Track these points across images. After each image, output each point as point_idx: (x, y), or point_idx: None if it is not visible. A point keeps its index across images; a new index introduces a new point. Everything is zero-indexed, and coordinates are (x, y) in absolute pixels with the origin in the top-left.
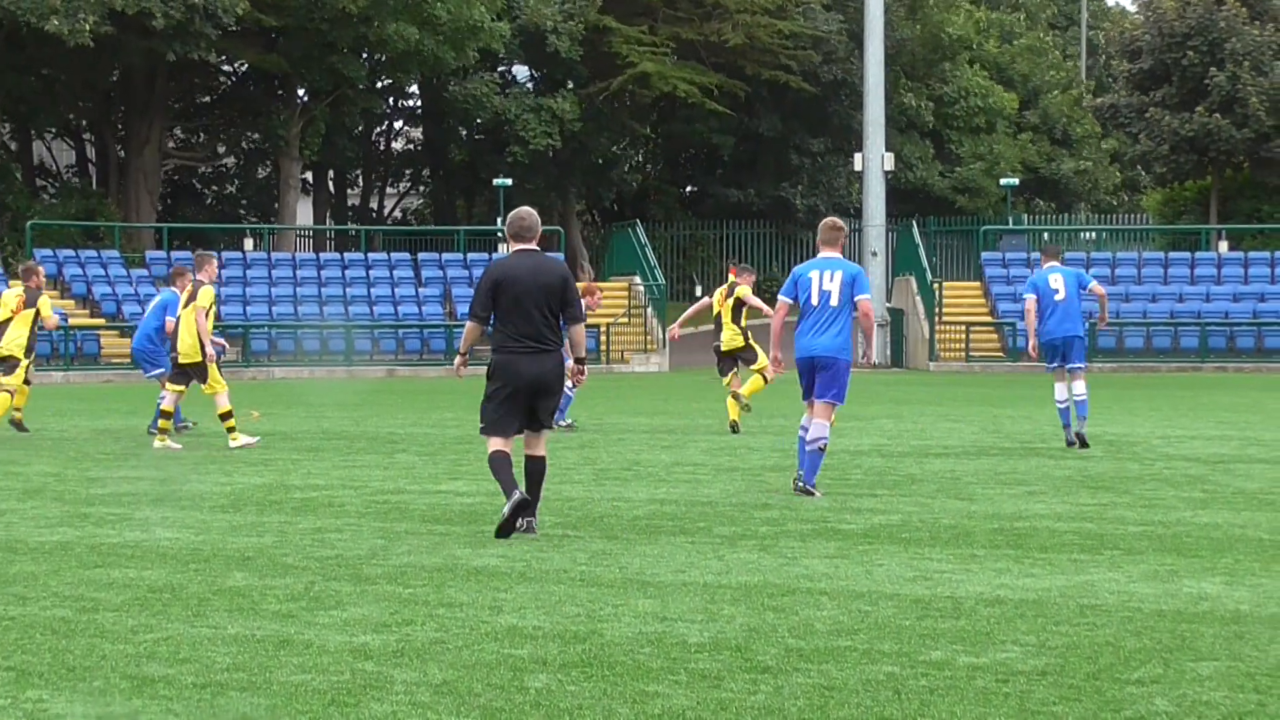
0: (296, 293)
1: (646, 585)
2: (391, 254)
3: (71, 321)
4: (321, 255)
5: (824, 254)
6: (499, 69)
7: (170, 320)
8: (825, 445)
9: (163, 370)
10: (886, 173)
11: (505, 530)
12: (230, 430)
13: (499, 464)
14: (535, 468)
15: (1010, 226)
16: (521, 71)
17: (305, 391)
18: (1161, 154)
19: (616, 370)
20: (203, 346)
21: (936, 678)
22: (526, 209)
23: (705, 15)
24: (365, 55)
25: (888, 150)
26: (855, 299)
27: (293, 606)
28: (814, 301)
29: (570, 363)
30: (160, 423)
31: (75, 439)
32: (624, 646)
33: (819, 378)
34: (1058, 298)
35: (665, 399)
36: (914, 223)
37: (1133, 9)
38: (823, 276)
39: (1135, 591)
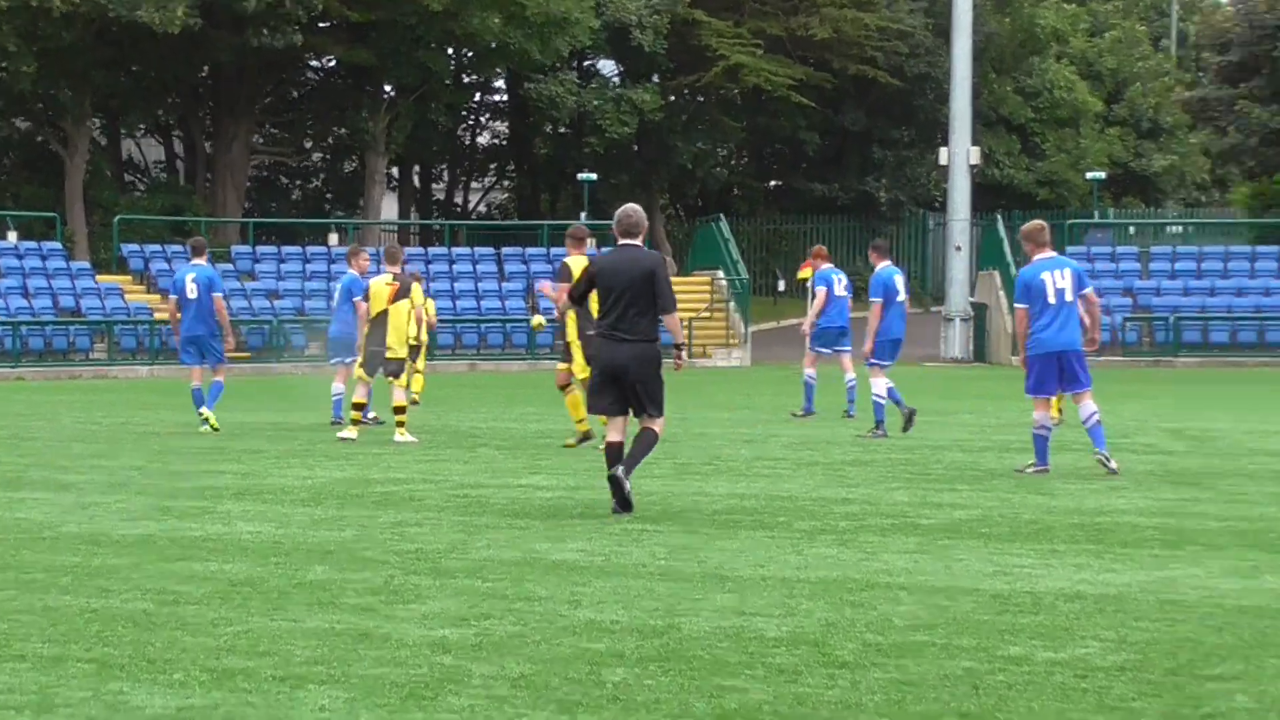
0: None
1: (725, 580)
2: (475, 249)
3: (156, 316)
4: (406, 250)
5: (1045, 254)
6: (584, 63)
7: (361, 304)
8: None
9: (353, 359)
10: (972, 167)
11: (620, 507)
12: (400, 425)
13: (609, 457)
14: (643, 436)
15: (1095, 220)
16: (607, 65)
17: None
18: (1250, 147)
19: (699, 365)
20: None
21: (1015, 673)
22: (633, 206)
23: (792, 9)
24: (452, 50)
25: (974, 145)
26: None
27: (372, 600)
28: (1051, 300)
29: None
30: (352, 414)
31: (159, 433)
32: (702, 641)
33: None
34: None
35: (747, 394)
36: (998, 217)
37: (1224, 1)
38: (1054, 276)
39: (1216, 587)
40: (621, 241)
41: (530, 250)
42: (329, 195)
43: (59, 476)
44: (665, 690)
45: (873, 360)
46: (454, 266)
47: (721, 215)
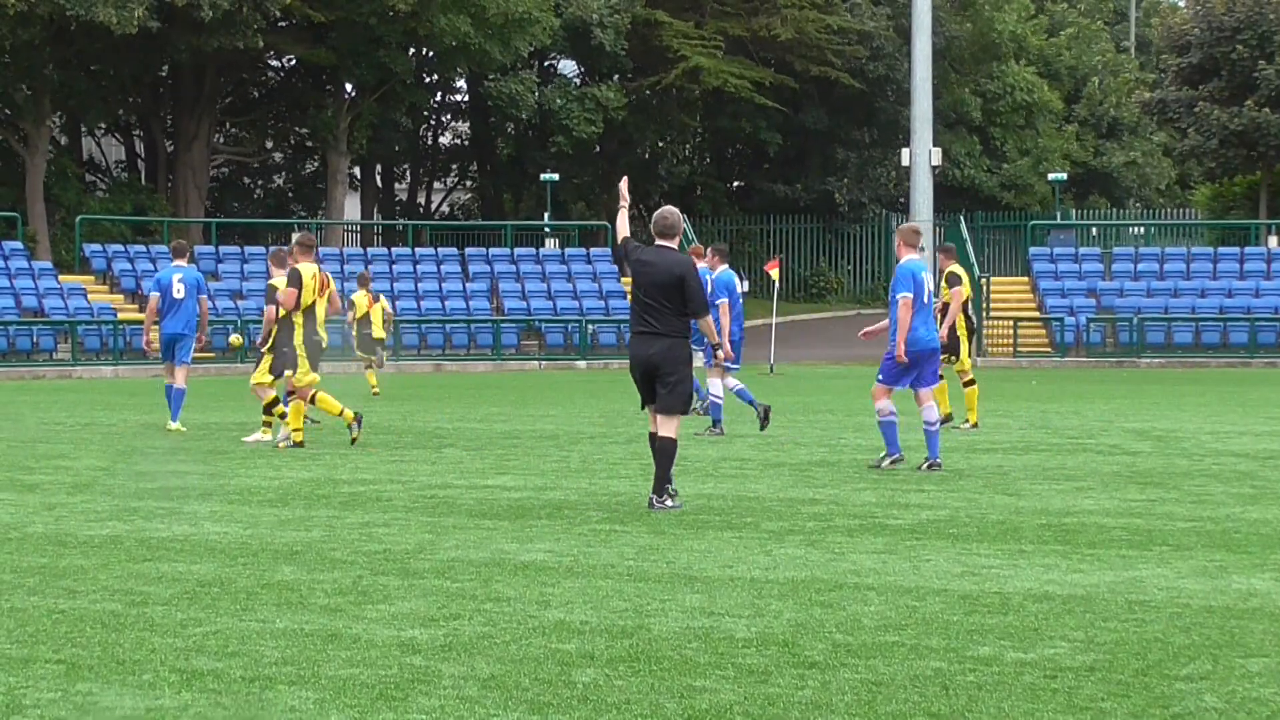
0: (344, 288)
1: (694, 580)
2: (439, 249)
3: (120, 316)
4: (369, 250)
5: (918, 256)
6: (545, 63)
7: (204, 299)
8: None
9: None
10: (934, 168)
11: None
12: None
13: (650, 443)
14: (658, 445)
15: (1058, 221)
16: (568, 66)
17: (352, 386)
18: (1210, 149)
19: None
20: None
21: (984, 673)
22: (670, 209)
23: (753, 10)
24: (412, 50)
25: (935, 146)
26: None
27: (341, 601)
28: (925, 299)
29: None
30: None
31: (124, 433)
32: (671, 641)
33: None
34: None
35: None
36: (961, 218)
37: (1182, 3)
38: (927, 277)
39: (1184, 587)
40: (658, 242)
41: (494, 250)
42: (292, 195)
43: (24, 477)
44: (635, 691)
45: (726, 363)
46: (418, 267)
47: (684, 215)
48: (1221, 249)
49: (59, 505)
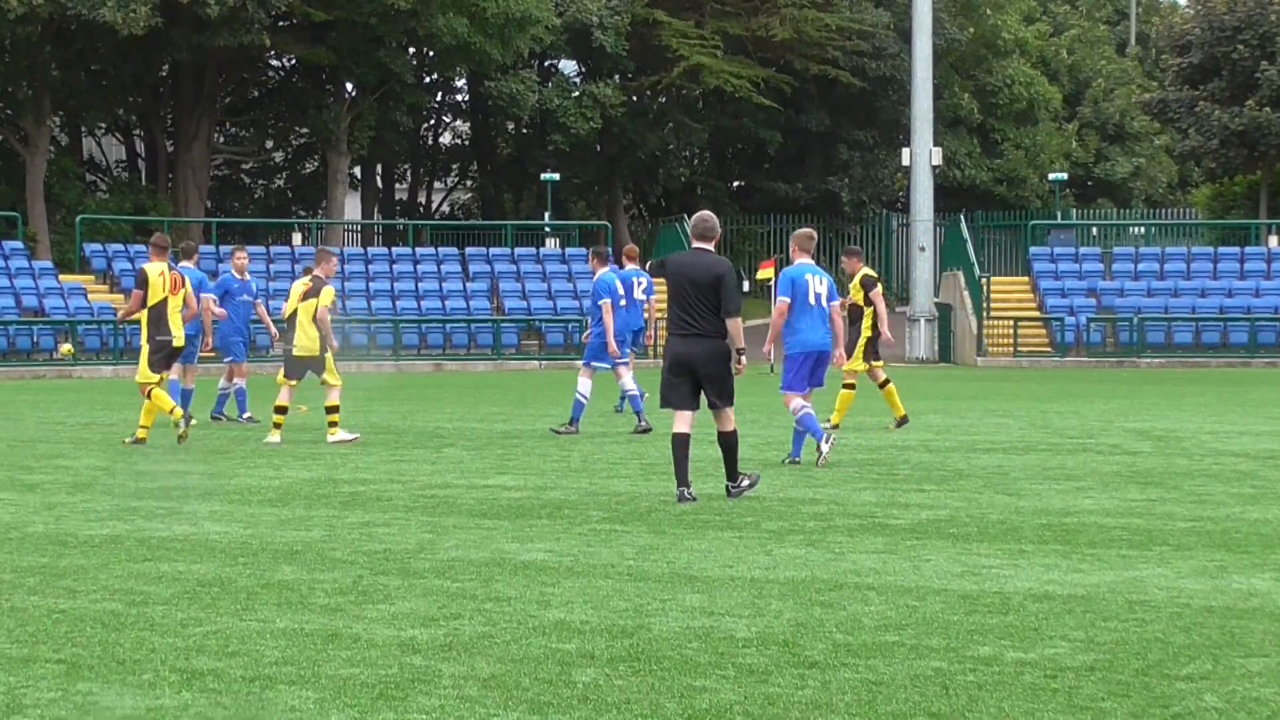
0: (344, 287)
1: (694, 580)
2: (439, 249)
3: (121, 315)
4: (369, 250)
5: (807, 260)
6: (546, 63)
7: (207, 298)
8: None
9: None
10: (934, 168)
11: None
12: (333, 425)
13: (676, 446)
14: (724, 441)
15: (1058, 221)
16: (569, 66)
17: (352, 385)
18: (1211, 149)
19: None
20: (325, 340)
21: (984, 673)
22: (708, 213)
23: (753, 10)
24: (413, 50)
25: (936, 146)
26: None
27: (341, 600)
28: (811, 302)
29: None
30: (275, 417)
31: (124, 433)
32: (671, 641)
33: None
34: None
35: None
36: (961, 218)
37: (1183, 3)
38: (814, 280)
39: (1184, 587)
40: (695, 245)
41: (494, 250)
42: (292, 195)
43: (24, 477)
44: (636, 690)
45: (597, 363)
46: (418, 266)
47: (685, 215)
48: (1222, 249)
49: (59, 505)
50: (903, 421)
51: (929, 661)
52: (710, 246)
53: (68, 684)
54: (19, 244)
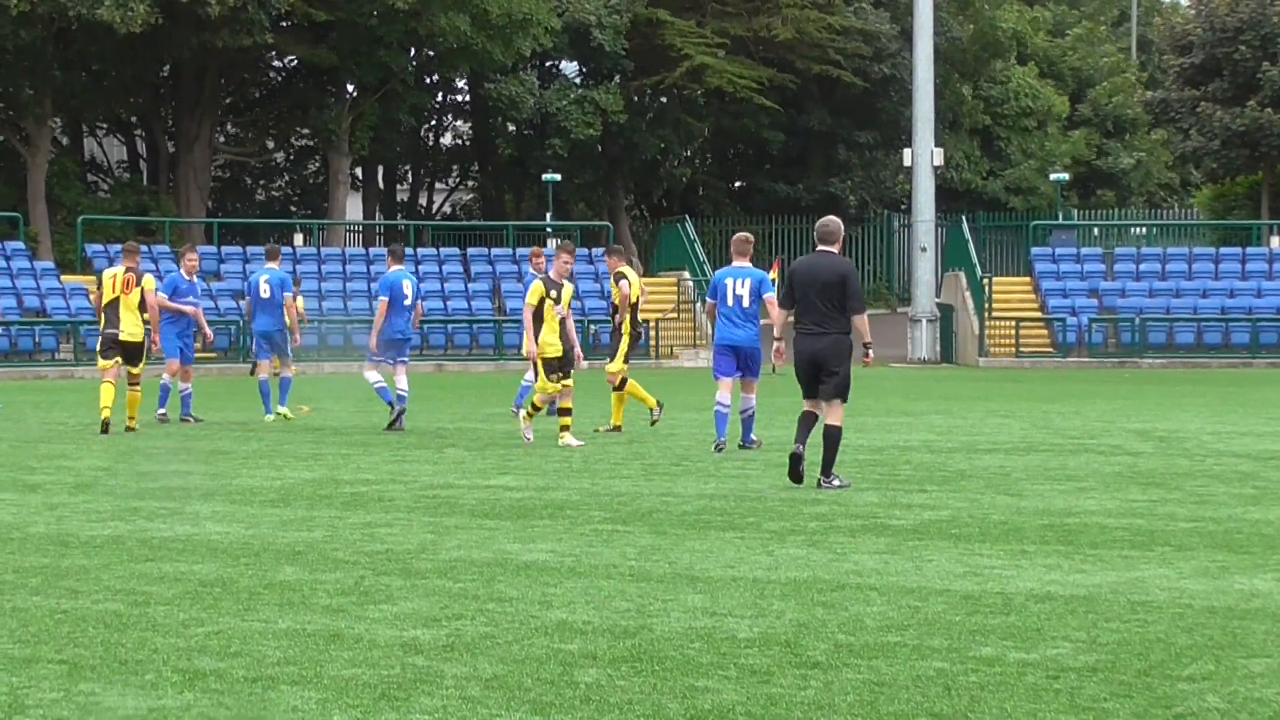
0: (346, 288)
1: (696, 580)
2: (441, 249)
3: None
4: (371, 251)
5: (739, 263)
6: (547, 64)
7: (289, 297)
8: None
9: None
10: (936, 168)
11: (793, 475)
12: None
13: (802, 417)
14: (827, 433)
15: (1060, 221)
16: (570, 68)
17: (353, 386)
18: (1212, 149)
19: (665, 365)
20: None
21: (987, 674)
22: (832, 218)
23: (754, 10)
24: (413, 50)
25: (937, 146)
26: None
27: (343, 601)
28: (729, 301)
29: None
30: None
31: (125, 433)
32: (673, 641)
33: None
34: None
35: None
36: (963, 218)
37: (1184, 3)
38: (735, 283)
39: (1186, 588)
40: (820, 248)
41: (496, 250)
42: (294, 196)
43: (26, 477)
44: (638, 691)
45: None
46: (420, 267)
47: (686, 216)
48: (1223, 249)
49: (61, 505)
50: (614, 430)
51: (931, 662)
52: (834, 249)
53: (70, 684)
54: (20, 244)
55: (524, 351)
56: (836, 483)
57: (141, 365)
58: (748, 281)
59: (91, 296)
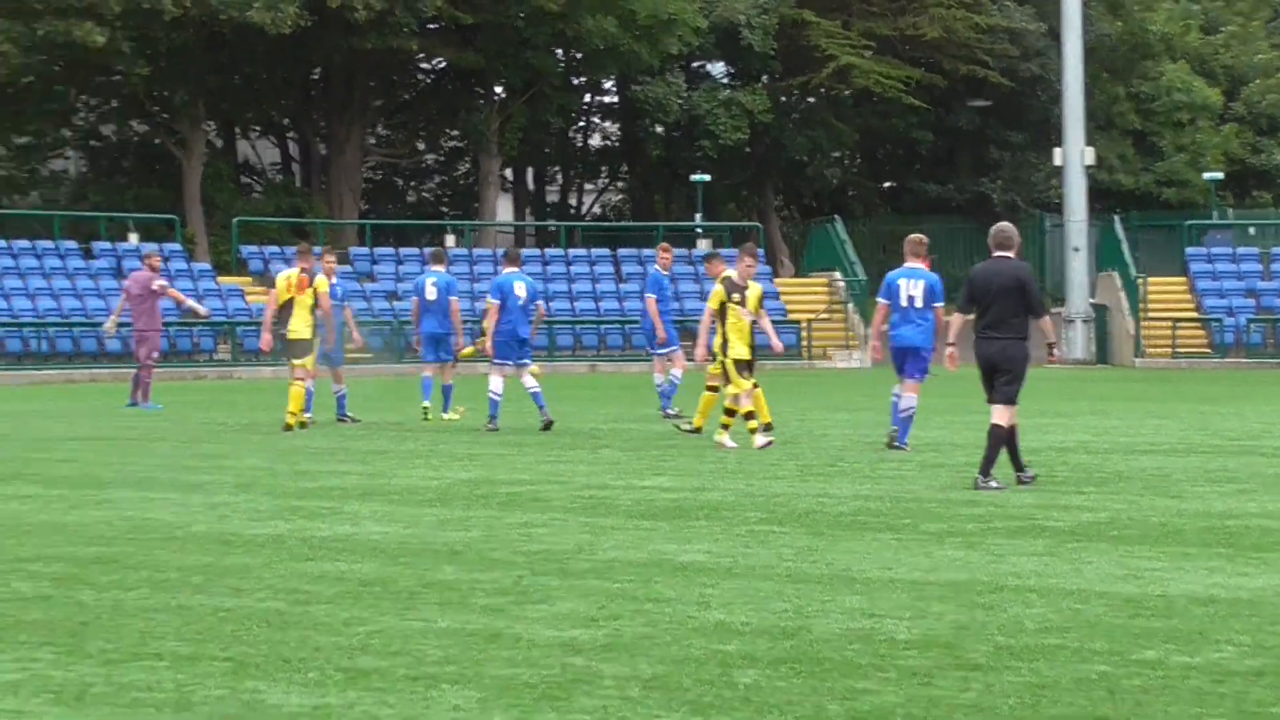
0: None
1: (853, 582)
2: (591, 250)
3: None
4: (522, 251)
5: (913, 264)
6: (693, 64)
7: (454, 300)
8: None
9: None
10: (1087, 168)
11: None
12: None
13: (1002, 441)
14: (992, 432)
15: (1214, 221)
16: (717, 68)
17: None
18: None
19: (818, 366)
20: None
21: (1150, 677)
22: (1006, 224)
23: (900, 9)
24: (560, 52)
25: (1088, 145)
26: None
27: (502, 600)
28: (903, 303)
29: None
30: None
31: (285, 433)
32: (832, 643)
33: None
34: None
35: (867, 395)
36: (1116, 218)
37: None
38: (909, 284)
39: None
40: (996, 253)
41: (646, 251)
42: (445, 198)
43: (187, 477)
44: (797, 692)
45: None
46: (571, 268)
47: (836, 216)
48: None
49: (222, 505)
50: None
51: (1093, 665)
52: (1011, 254)
53: (235, 682)
54: (178, 246)
55: (695, 356)
56: (994, 484)
57: (305, 361)
58: (920, 283)
59: (266, 297)
